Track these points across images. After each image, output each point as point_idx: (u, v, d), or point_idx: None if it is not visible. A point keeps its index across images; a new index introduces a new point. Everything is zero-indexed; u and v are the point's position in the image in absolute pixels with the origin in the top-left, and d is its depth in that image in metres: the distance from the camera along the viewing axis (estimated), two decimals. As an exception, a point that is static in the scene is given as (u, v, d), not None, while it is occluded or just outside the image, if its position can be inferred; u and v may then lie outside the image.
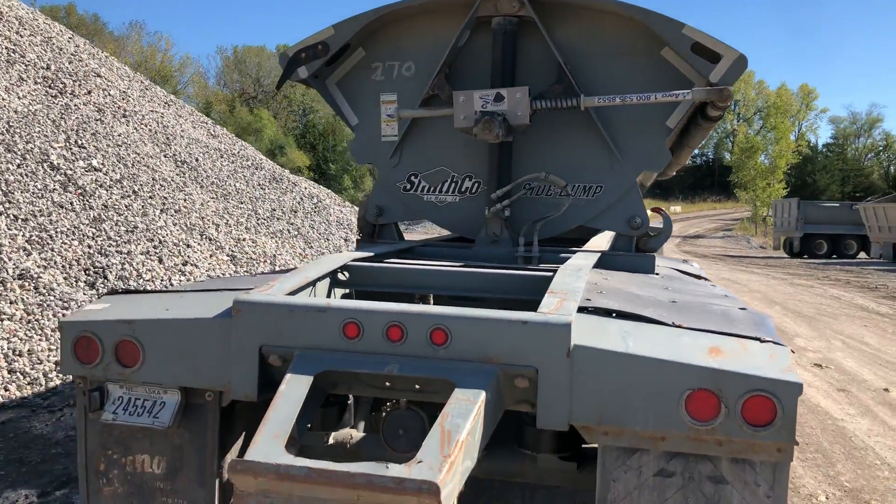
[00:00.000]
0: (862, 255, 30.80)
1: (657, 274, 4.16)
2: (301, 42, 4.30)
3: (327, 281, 3.27)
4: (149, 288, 3.02)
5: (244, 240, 10.95)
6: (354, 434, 3.25)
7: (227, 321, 2.63)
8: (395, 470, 2.09)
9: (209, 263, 9.44)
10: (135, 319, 2.70)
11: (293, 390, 2.41)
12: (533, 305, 2.75)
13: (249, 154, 15.25)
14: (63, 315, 6.99)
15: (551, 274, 3.25)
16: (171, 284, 8.32)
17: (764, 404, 2.28)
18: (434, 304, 3.40)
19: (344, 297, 3.44)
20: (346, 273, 3.38)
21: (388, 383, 2.61)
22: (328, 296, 3.29)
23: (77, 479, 4.35)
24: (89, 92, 12.30)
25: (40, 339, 6.57)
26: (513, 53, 4.12)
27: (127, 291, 3.03)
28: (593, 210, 4.19)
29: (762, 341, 2.50)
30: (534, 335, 2.42)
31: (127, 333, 2.70)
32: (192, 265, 9.00)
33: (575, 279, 2.97)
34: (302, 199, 14.55)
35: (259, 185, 13.90)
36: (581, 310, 2.62)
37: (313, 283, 3.05)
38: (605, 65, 4.10)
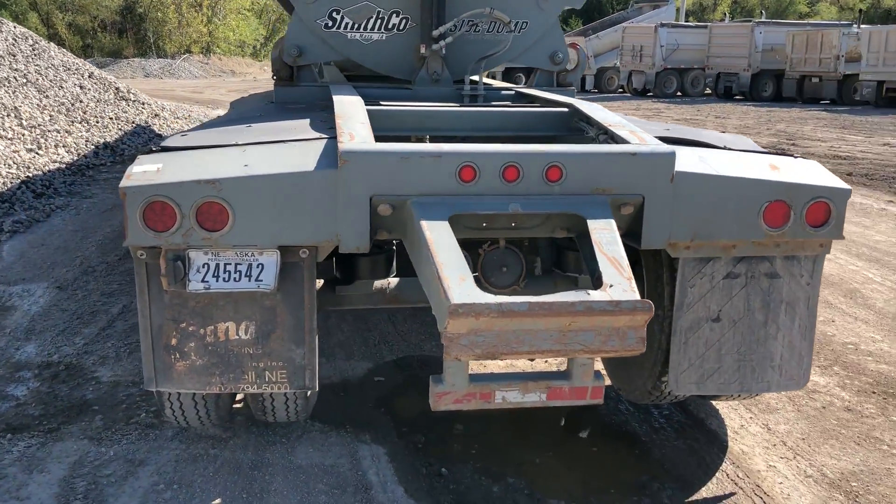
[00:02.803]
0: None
1: None
2: None
3: None
4: (194, 144, 2.64)
5: (-24, 91, 9.23)
6: (392, 280, 3.22)
7: (331, 173, 2.44)
8: (597, 295, 2.23)
9: (-47, 121, 7.90)
10: (220, 178, 2.38)
11: (441, 235, 2.36)
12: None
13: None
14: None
15: (567, 110, 3.40)
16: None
17: (822, 208, 2.74)
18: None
19: None
20: None
21: (484, 223, 2.65)
22: None
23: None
24: None
25: None
26: None
27: (165, 149, 2.59)
28: (519, 47, 4.29)
29: (794, 157, 2.94)
30: (643, 165, 2.59)
31: (211, 194, 2.37)
32: (-62, 124, 7.48)
33: (607, 113, 3.15)
34: (15, 40, 12.38)
35: (-40, 24, 11.56)
36: None
37: None
38: None
